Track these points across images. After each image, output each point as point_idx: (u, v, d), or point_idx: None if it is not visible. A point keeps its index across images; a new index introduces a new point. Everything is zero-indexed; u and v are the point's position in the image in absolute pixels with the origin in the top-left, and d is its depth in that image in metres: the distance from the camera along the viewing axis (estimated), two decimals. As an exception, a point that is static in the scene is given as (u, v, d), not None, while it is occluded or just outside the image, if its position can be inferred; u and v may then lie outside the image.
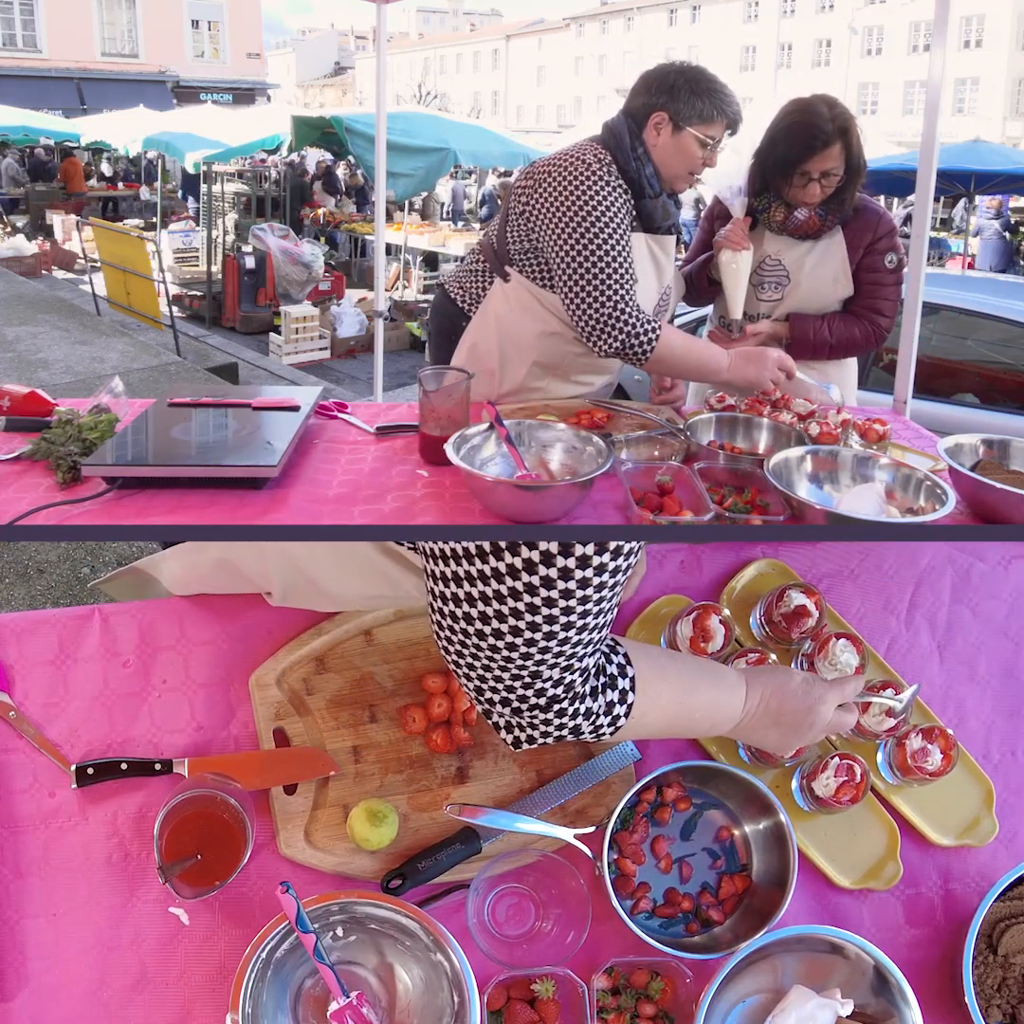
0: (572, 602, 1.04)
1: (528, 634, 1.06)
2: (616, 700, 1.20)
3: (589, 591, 1.04)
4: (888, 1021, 1.35)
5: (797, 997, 1.34)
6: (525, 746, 1.20)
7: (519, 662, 1.09)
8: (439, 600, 1.12)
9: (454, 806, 1.43)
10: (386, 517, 1.57)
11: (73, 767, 1.45)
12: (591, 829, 1.45)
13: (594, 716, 1.19)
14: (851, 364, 2.56)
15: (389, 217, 10.68)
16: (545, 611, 1.04)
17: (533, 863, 1.46)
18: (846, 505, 1.62)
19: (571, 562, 1.01)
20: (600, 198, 2.00)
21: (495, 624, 1.06)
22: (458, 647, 1.12)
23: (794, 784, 1.53)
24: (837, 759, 1.47)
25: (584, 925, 1.40)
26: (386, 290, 3.85)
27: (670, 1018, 1.41)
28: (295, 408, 1.87)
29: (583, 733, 1.20)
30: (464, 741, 1.51)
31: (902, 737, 1.51)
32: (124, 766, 1.46)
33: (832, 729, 1.38)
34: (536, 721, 1.16)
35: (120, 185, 17.40)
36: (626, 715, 1.21)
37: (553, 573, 1.01)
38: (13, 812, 1.45)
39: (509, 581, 1.03)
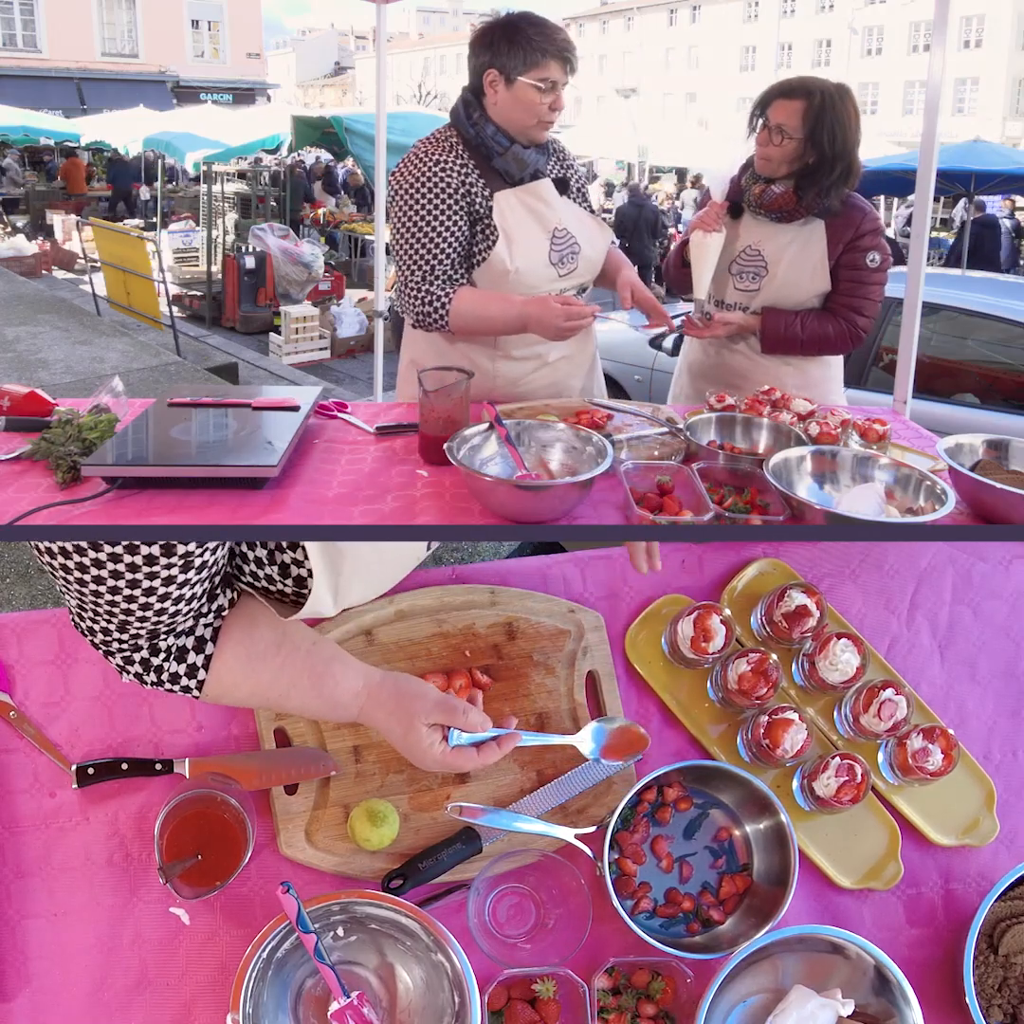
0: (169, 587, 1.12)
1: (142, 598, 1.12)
2: (182, 673, 1.23)
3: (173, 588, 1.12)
4: (889, 1021, 1.35)
5: (798, 997, 1.34)
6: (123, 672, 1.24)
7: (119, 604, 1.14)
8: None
9: (455, 806, 1.43)
10: (386, 517, 1.57)
11: (74, 767, 1.45)
12: (592, 829, 1.45)
13: (158, 671, 1.22)
14: (835, 363, 2.53)
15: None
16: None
17: (534, 863, 1.46)
18: (846, 505, 1.62)
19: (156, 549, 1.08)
20: (417, 184, 2.08)
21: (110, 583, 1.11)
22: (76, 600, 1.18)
23: (795, 784, 1.53)
24: (838, 759, 1.47)
25: (585, 925, 1.40)
26: (386, 290, 3.84)
27: (671, 1018, 1.41)
28: (295, 408, 1.87)
29: (153, 681, 1.23)
30: (464, 741, 1.51)
31: (903, 737, 1.51)
32: (125, 766, 1.46)
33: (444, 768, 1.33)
34: (111, 644, 1.20)
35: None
36: (197, 689, 1.24)
37: (138, 560, 1.08)
38: (14, 812, 1.45)
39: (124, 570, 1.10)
